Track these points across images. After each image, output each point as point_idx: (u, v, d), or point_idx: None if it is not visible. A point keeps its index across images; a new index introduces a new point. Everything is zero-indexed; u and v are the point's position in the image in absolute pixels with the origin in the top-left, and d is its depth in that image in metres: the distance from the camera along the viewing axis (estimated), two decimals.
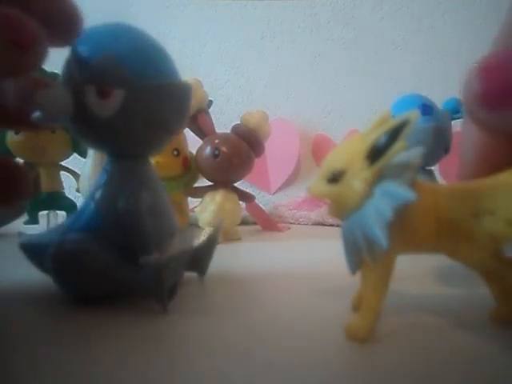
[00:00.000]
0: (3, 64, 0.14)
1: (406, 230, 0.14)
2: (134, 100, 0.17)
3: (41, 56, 0.15)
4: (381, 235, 0.13)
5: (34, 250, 0.19)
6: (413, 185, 0.13)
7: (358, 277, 0.17)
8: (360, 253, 0.14)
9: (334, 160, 0.15)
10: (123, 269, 0.17)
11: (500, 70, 0.12)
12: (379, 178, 0.14)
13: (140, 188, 0.18)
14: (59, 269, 0.17)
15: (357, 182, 0.14)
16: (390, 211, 0.13)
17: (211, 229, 0.24)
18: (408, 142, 0.13)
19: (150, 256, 0.17)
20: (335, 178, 0.14)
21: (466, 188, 0.15)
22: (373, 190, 0.14)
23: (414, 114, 0.13)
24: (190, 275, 0.22)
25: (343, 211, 0.15)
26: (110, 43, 0.17)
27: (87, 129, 0.17)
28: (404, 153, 0.13)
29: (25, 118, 0.17)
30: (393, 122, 0.14)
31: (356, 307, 0.17)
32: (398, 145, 0.13)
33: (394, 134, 0.13)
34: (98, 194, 0.18)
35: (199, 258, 0.22)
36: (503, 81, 0.12)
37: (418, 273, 0.23)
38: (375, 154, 0.14)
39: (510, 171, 0.14)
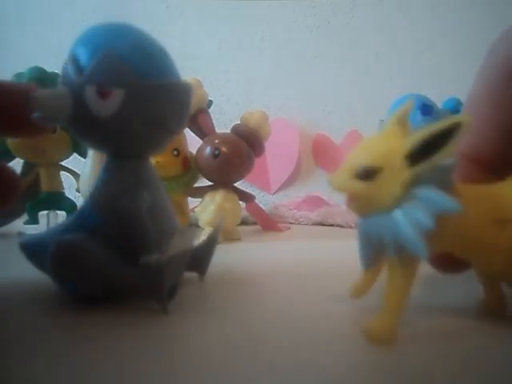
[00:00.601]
0: None
1: (435, 235, 0.13)
2: (134, 100, 0.16)
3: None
4: (419, 244, 0.12)
5: (33, 250, 0.19)
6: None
7: (357, 275, 0.17)
8: (381, 253, 0.14)
9: (366, 155, 0.13)
10: (123, 269, 0.17)
11: None
12: (416, 180, 0.13)
13: (140, 188, 0.18)
14: (58, 268, 0.17)
15: (394, 183, 0.13)
16: (431, 221, 0.12)
17: (211, 229, 0.24)
18: None
19: (150, 256, 0.17)
20: (368, 174, 0.13)
21: (493, 193, 0.14)
22: (408, 192, 0.13)
23: (467, 118, 0.12)
24: (190, 275, 0.22)
25: (369, 209, 0.14)
26: (110, 43, 0.16)
27: (86, 129, 0.17)
28: (449, 158, 0.13)
29: (25, 123, 0.17)
30: (441, 124, 0.12)
31: (357, 292, 0.17)
32: (447, 149, 0.12)
33: (441, 137, 0.12)
34: (97, 194, 0.18)
35: (199, 258, 0.22)
36: None
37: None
38: (418, 154, 0.13)
39: None
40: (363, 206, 0.14)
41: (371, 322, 0.14)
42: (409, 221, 0.12)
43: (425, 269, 0.18)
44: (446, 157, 0.12)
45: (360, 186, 0.13)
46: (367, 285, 0.17)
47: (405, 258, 0.13)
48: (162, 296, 0.17)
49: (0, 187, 0.19)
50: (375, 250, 0.14)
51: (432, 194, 0.12)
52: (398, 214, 0.13)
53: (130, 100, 0.16)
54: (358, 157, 0.14)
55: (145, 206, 0.17)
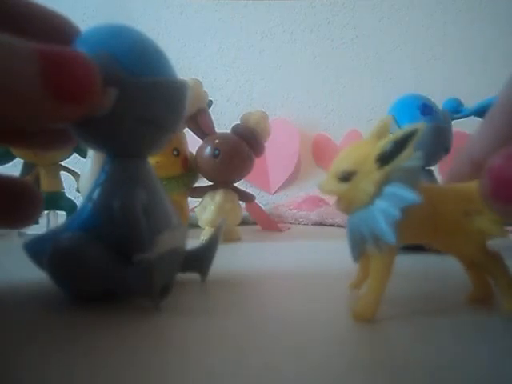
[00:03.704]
0: (43, 116, 0.13)
1: (408, 225, 0.15)
2: (127, 98, 0.16)
3: (94, 105, 0.14)
4: (390, 233, 0.14)
5: (37, 251, 0.19)
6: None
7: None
8: (364, 245, 0.16)
9: (345, 161, 0.16)
10: (120, 268, 0.17)
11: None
12: (386, 179, 0.15)
13: (135, 187, 0.18)
14: (55, 268, 0.17)
15: (367, 182, 0.15)
16: (398, 212, 0.14)
17: (213, 229, 0.23)
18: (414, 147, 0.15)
19: (143, 254, 0.17)
20: (346, 177, 0.16)
21: (459, 189, 0.17)
22: (380, 190, 0.15)
23: (422, 125, 0.15)
24: (190, 275, 0.22)
25: (351, 207, 0.16)
26: (103, 42, 0.17)
27: (82, 128, 0.17)
28: (411, 159, 0.15)
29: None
30: (402, 131, 0.15)
31: (355, 285, 0.19)
32: (407, 151, 0.15)
33: (403, 142, 0.15)
34: (95, 194, 0.18)
35: (201, 259, 0.22)
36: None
37: (411, 270, 0.24)
38: (384, 158, 0.15)
39: None
40: (346, 204, 0.16)
41: (357, 304, 0.16)
42: (379, 213, 0.15)
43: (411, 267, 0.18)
44: (407, 158, 0.15)
45: (341, 187, 0.16)
46: (362, 279, 0.19)
47: (381, 247, 0.15)
48: (154, 294, 0.17)
49: (25, 206, 0.19)
50: (360, 243, 0.16)
51: (397, 190, 0.15)
52: (371, 209, 0.15)
53: (122, 98, 0.16)
54: (338, 163, 0.16)
55: (139, 205, 0.17)
